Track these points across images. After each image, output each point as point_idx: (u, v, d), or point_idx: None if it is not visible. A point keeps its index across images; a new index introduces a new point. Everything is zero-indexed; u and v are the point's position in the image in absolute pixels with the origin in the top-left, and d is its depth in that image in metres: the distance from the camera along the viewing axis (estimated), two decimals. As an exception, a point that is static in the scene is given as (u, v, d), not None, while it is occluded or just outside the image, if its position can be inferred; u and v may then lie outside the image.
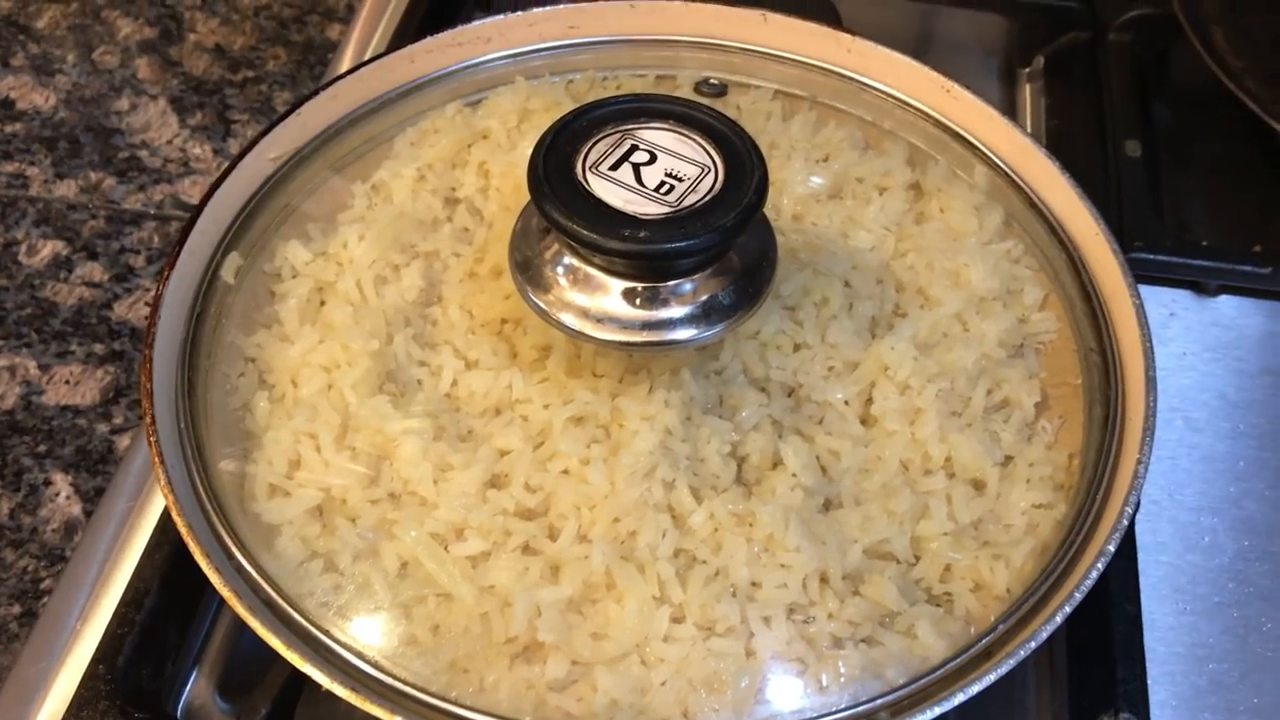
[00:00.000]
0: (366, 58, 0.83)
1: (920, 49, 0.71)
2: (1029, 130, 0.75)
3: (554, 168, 0.50)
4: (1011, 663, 0.45)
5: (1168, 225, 0.78)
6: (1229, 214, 0.82)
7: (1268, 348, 0.73)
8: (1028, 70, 0.92)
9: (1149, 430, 0.52)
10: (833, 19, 0.83)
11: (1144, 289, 0.57)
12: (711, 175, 0.50)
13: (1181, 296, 0.76)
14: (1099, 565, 0.48)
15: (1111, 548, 0.48)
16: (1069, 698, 0.58)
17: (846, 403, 0.55)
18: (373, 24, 0.92)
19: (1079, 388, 0.57)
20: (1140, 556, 0.61)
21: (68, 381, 1.12)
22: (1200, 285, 0.76)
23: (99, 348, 1.15)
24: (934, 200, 0.64)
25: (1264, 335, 0.74)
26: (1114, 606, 0.57)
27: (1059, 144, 0.82)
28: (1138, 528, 0.62)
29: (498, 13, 0.68)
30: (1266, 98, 0.78)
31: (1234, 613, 0.62)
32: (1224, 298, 0.76)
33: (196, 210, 0.59)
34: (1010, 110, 0.89)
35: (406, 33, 0.88)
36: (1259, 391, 0.71)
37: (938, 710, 0.44)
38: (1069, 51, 0.90)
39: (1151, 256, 0.75)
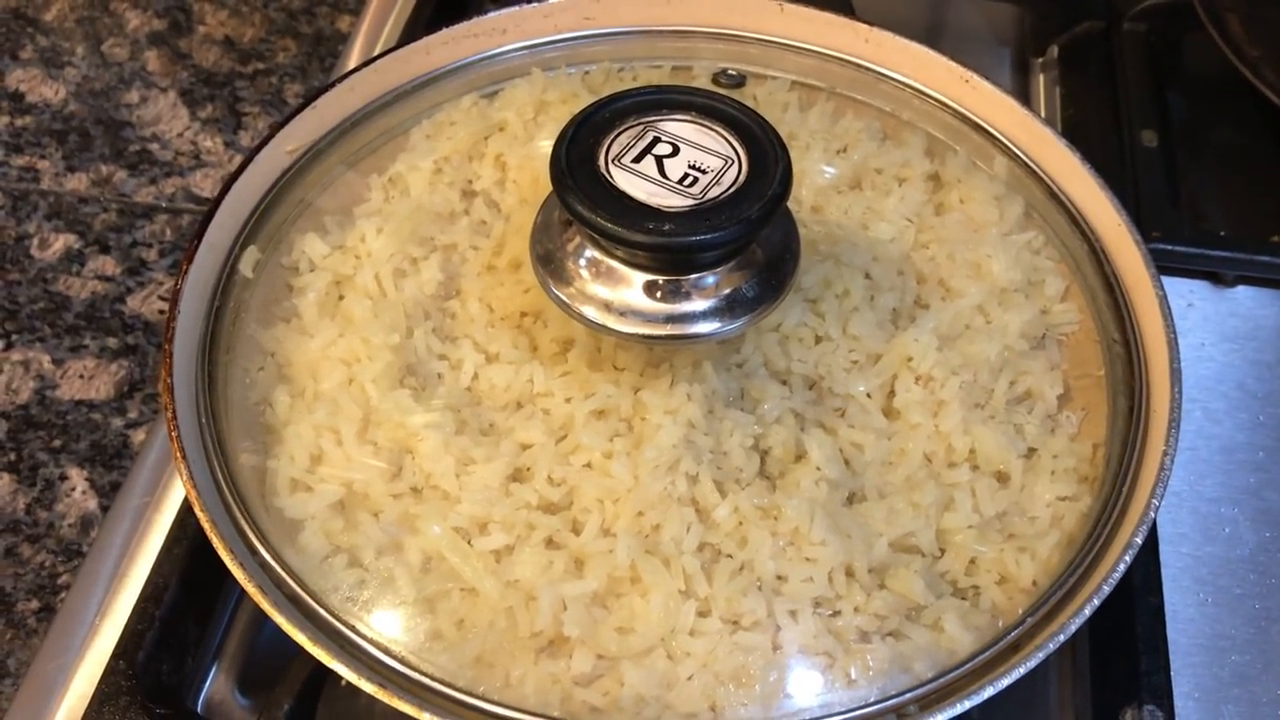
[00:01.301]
0: (377, 50, 0.83)
1: (932, 39, 0.70)
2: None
3: (576, 160, 0.49)
4: (1040, 656, 0.45)
5: (1185, 216, 0.78)
6: (1246, 204, 0.81)
7: (1286, 338, 0.73)
8: (1041, 60, 0.91)
9: (1175, 422, 0.51)
10: (846, 8, 0.83)
11: (1162, 280, 0.57)
12: (735, 167, 0.50)
13: (1199, 287, 0.75)
14: (1126, 558, 0.47)
15: (1139, 540, 0.48)
16: (1092, 690, 0.58)
17: (869, 395, 0.55)
18: (383, 15, 0.91)
19: (1101, 379, 0.56)
20: (1161, 548, 0.61)
21: (82, 376, 1.12)
22: (1218, 276, 0.75)
23: (112, 341, 1.15)
24: (954, 191, 0.63)
25: (1282, 326, 0.74)
26: (1137, 598, 0.57)
27: (1074, 134, 0.81)
28: (1158, 519, 0.62)
29: (512, 4, 0.68)
30: (1284, 87, 0.78)
31: (1256, 604, 0.62)
32: (1242, 288, 0.75)
33: (214, 203, 0.58)
34: (1024, 101, 0.88)
35: (417, 24, 0.87)
36: (1278, 382, 0.71)
37: (967, 704, 0.44)
38: (1083, 41, 0.89)
39: (1169, 247, 0.74)
